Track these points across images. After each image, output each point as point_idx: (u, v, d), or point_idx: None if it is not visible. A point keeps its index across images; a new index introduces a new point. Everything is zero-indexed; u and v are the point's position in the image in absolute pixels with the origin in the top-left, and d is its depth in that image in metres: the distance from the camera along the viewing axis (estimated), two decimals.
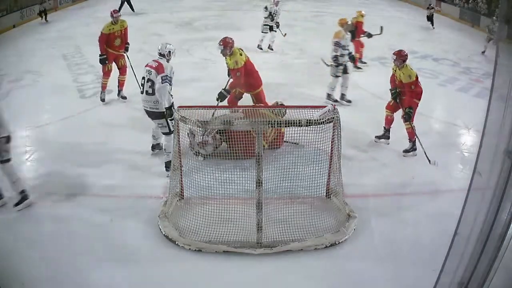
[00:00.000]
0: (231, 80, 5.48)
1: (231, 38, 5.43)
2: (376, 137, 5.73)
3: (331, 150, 4.00)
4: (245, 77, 5.40)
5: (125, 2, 14.88)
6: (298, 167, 3.98)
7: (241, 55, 5.39)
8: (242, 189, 3.85)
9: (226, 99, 5.43)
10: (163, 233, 3.84)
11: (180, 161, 4.06)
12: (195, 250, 3.68)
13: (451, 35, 13.38)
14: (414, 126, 5.30)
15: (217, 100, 5.28)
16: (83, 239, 3.85)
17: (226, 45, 5.34)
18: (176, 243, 3.74)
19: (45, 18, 14.16)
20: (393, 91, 5.38)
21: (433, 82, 8.40)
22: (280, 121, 3.60)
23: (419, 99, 5.26)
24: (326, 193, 4.16)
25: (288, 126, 3.62)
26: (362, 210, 4.17)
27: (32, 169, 5.13)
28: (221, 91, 5.31)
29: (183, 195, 4.18)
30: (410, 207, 4.36)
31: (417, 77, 5.22)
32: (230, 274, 3.50)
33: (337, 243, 3.75)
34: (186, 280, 3.45)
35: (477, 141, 5.88)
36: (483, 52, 10.76)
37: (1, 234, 3.90)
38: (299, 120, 3.54)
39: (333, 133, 3.88)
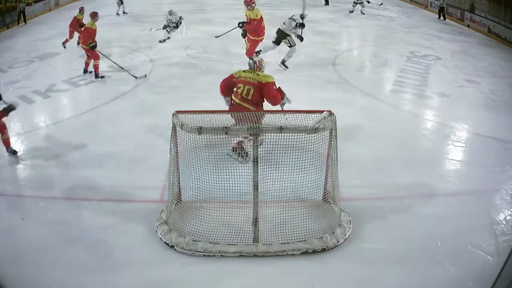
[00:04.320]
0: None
1: None
2: None
3: (328, 154, 4.04)
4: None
5: None
6: (294, 170, 4.01)
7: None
8: (239, 192, 3.88)
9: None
10: (161, 237, 3.88)
11: (178, 164, 4.09)
12: (193, 254, 3.72)
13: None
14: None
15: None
16: (83, 243, 3.88)
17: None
18: (174, 247, 3.78)
19: (24, 20, 14.08)
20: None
21: (425, 83, 8.48)
22: (280, 127, 3.62)
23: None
24: (323, 197, 4.20)
25: (289, 132, 3.64)
26: (358, 213, 4.22)
27: (30, 173, 5.15)
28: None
29: (180, 199, 4.21)
30: (405, 210, 4.40)
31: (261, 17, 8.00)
32: (227, 278, 3.54)
33: (333, 246, 3.80)
34: (184, 285, 3.49)
35: (472, 144, 5.99)
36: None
37: (2, 239, 3.93)
38: (299, 127, 3.56)
39: (330, 137, 3.92)
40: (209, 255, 3.71)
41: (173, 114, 3.83)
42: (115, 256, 3.73)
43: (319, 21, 13.49)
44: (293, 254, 3.73)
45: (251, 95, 4.76)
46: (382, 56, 10.31)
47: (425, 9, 17.84)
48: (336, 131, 3.90)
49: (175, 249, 3.76)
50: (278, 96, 4.82)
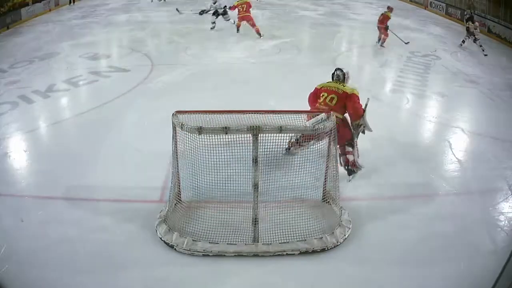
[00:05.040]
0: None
1: None
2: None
3: (328, 155, 4.04)
4: None
5: None
6: (294, 170, 4.01)
7: None
8: (239, 192, 3.89)
9: None
10: (161, 237, 3.87)
11: (178, 164, 4.09)
12: (192, 254, 3.71)
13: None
14: None
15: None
16: (82, 243, 3.87)
17: None
18: (174, 247, 3.78)
19: (73, 2, 16.20)
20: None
21: (425, 83, 8.48)
22: (280, 127, 3.62)
23: None
24: (322, 197, 4.20)
25: (289, 132, 3.65)
26: (357, 213, 4.21)
27: (29, 173, 5.14)
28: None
29: (180, 199, 4.21)
30: (405, 210, 4.40)
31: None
32: (227, 278, 3.54)
33: (332, 246, 3.80)
34: (184, 285, 3.48)
35: (472, 144, 5.99)
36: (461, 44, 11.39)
37: (2, 239, 3.92)
38: (299, 127, 3.55)
39: (329, 138, 3.92)
40: (209, 255, 3.71)
41: (173, 114, 3.82)
42: (115, 256, 3.72)
43: (320, 21, 13.50)
44: (293, 254, 3.73)
45: (334, 103, 4.74)
46: (382, 56, 10.32)
47: (425, 9, 17.84)
48: (336, 132, 3.90)
49: (175, 249, 3.76)
50: (360, 109, 4.74)
